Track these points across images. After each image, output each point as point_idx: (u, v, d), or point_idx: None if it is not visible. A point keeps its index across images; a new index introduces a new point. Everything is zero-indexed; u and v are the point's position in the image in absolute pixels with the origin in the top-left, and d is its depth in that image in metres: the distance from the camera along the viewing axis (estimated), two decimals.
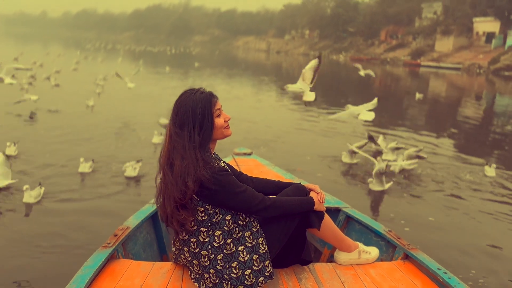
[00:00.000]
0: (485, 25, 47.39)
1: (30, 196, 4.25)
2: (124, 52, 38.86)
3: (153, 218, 2.52)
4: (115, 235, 2.15)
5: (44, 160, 5.71)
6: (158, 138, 6.89)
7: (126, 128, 8.14)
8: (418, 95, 14.37)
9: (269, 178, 2.82)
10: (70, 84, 13.65)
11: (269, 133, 8.31)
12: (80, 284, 1.73)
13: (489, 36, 46.34)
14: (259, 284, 1.83)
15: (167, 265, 2.03)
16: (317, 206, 2.02)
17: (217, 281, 1.82)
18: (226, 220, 1.83)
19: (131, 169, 5.22)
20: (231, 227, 1.84)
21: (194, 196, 1.78)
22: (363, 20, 63.12)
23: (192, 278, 1.91)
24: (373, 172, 5.12)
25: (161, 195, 1.86)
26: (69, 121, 8.39)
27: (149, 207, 2.53)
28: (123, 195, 4.72)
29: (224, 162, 1.99)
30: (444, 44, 48.55)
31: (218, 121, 1.87)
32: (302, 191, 2.07)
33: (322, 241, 2.60)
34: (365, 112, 4.88)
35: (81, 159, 5.26)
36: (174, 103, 1.87)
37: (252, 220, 1.89)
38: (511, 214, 4.66)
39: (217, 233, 1.81)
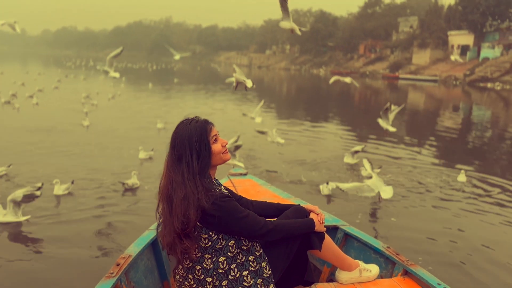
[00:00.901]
0: (459, 38, 48.92)
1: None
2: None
3: (153, 244, 2.51)
4: (118, 264, 2.11)
5: (28, 181, 5.60)
6: (144, 154, 6.99)
7: (116, 144, 8.18)
8: (393, 108, 14.73)
9: (266, 197, 2.92)
10: (54, 103, 13.60)
11: (249, 143, 8.51)
12: None
13: (464, 49, 47.79)
14: None
15: None
16: (318, 227, 2.05)
17: None
18: (230, 245, 1.84)
19: (135, 178, 5.43)
20: (234, 252, 1.85)
21: (198, 223, 1.78)
22: (342, 35, 64.39)
23: None
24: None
25: (162, 226, 1.87)
26: (61, 140, 8.40)
27: (149, 234, 2.51)
28: (113, 216, 4.65)
29: (224, 187, 2.01)
30: (421, 57, 49.84)
31: (216, 147, 1.88)
32: (302, 213, 2.10)
33: (322, 260, 2.60)
34: (383, 188, 4.76)
35: (55, 181, 5.08)
36: (171, 135, 1.88)
37: (255, 244, 1.91)
38: (468, 212, 4.98)
39: (221, 259, 1.83)
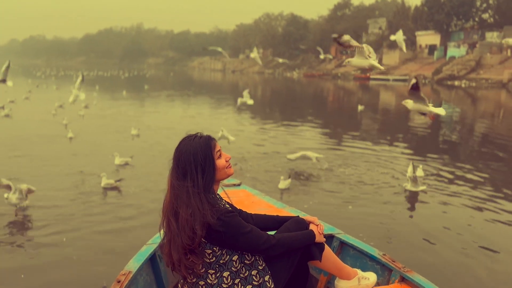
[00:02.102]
0: (426, 38, 50.43)
1: None
2: (77, 78, 38.22)
3: (151, 259, 2.51)
4: (118, 281, 2.09)
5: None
6: (119, 160, 7.07)
7: (95, 151, 8.20)
8: (360, 107, 15.24)
9: (261, 207, 3.03)
10: (26, 114, 13.38)
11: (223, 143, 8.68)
12: None
13: (431, 48, 49.33)
14: None
15: None
16: (318, 238, 2.08)
17: None
18: (233, 260, 1.85)
19: (105, 179, 5.60)
20: (238, 267, 1.86)
21: (202, 239, 1.80)
22: (314, 38, 65.34)
23: None
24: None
25: (167, 243, 1.87)
26: (37, 150, 8.34)
27: (148, 248, 2.50)
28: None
29: (225, 201, 2.03)
30: (391, 57, 51.03)
31: (220, 163, 1.90)
32: (302, 225, 2.13)
33: (318, 268, 2.59)
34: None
35: (6, 195, 4.82)
36: (174, 152, 1.89)
37: (257, 258, 1.92)
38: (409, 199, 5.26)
39: (225, 274, 1.83)
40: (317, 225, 2.13)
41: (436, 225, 4.59)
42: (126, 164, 7.08)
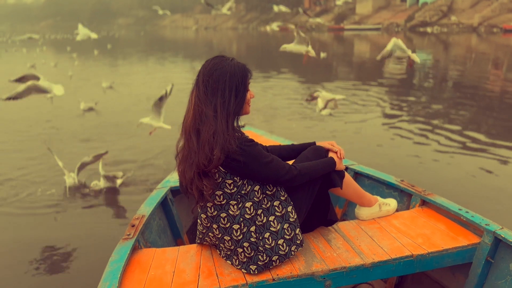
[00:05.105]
0: None
1: None
2: (44, 41, 36.84)
3: (163, 203, 2.47)
4: (133, 225, 2.07)
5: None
6: (83, 105, 7.87)
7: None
8: (322, 54, 15.59)
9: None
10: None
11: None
12: (112, 280, 1.67)
13: None
14: (292, 252, 1.81)
15: (193, 248, 1.98)
16: (338, 165, 2.01)
17: (252, 254, 1.76)
18: (255, 190, 1.78)
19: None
20: (260, 198, 1.79)
21: (221, 168, 1.71)
22: None
23: (223, 256, 1.86)
24: None
25: (182, 161, 1.78)
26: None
27: (158, 192, 2.47)
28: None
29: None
30: (364, 6, 50.73)
31: (248, 95, 1.81)
32: (321, 152, 2.05)
33: (334, 199, 2.50)
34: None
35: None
36: (202, 68, 1.76)
37: (279, 189, 1.85)
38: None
39: (248, 204, 1.76)
40: (335, 152, 2.07)
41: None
42: (91, 109, 7.83)
